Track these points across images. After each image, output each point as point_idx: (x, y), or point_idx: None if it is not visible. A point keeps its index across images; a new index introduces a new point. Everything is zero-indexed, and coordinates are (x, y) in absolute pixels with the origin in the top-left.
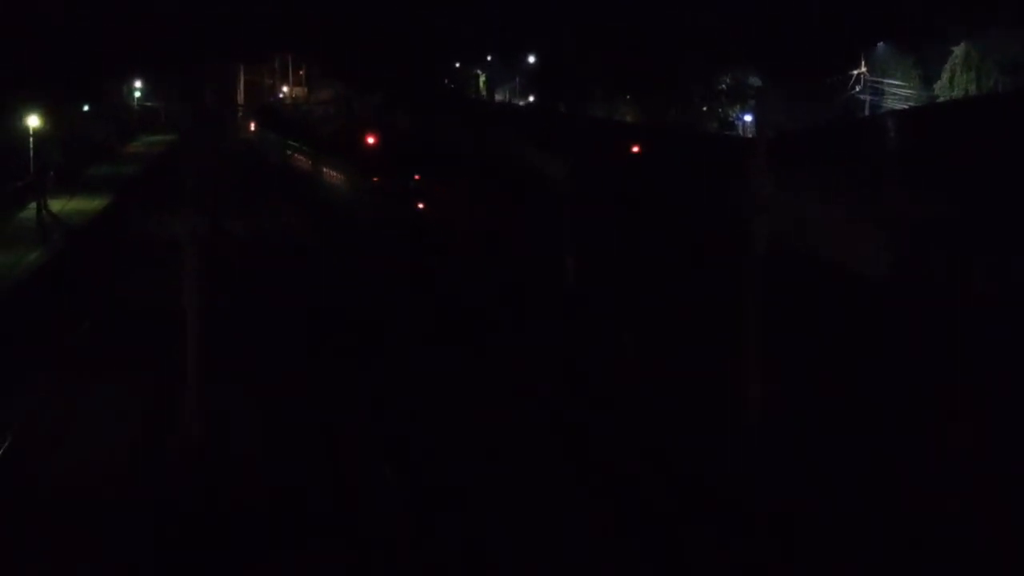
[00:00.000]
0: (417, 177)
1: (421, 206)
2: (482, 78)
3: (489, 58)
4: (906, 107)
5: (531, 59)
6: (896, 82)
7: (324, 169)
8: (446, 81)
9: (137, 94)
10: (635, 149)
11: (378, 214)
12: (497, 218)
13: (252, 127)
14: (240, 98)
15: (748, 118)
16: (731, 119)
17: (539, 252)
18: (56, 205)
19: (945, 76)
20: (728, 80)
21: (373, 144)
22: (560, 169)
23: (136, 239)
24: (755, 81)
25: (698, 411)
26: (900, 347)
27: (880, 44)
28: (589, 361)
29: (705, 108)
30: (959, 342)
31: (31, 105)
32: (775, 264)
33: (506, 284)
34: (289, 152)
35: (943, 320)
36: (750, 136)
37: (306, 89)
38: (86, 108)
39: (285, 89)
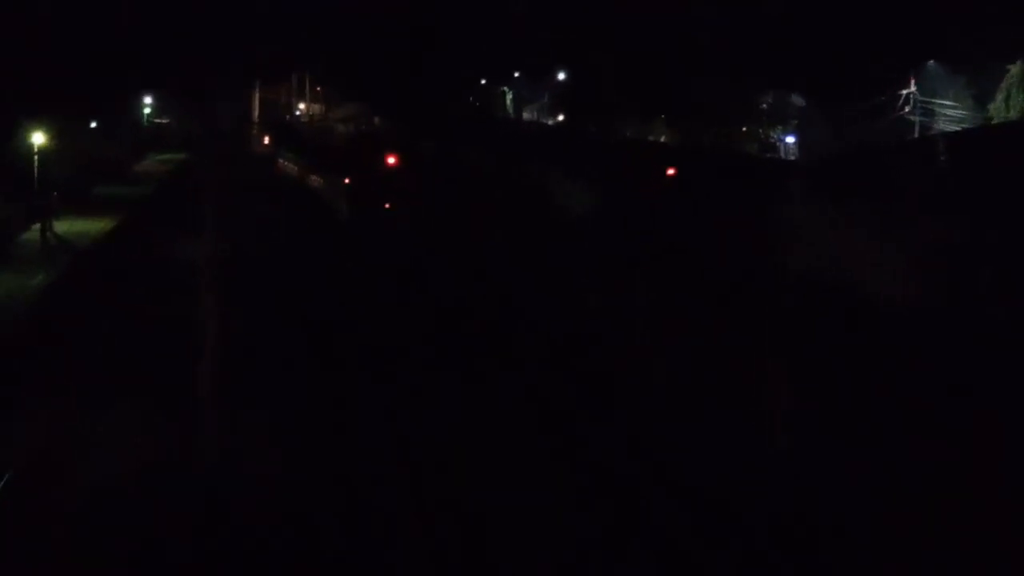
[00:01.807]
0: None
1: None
2: (508, 96)
3: (516, 75)
4: (958, 129)
5: (560, 76)
6: (948, 103)
7: (331, 188)
8: (471, 99)
9: (147, 111)
10: (670, 172)
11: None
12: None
13: (266, 141)
14: (255, 116)
15: (790, 139)
16: (772, 140)
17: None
18: (61, 226)
19: (1000, 96)
20: (769, 99)
21: (393, 165)
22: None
23: (146, 262)
24: (798, 100)
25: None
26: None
27: (930, 63)
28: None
29: (744, 129)
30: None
31: (36, 122)
32: (813, 295)
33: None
34: (301, 172)
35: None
36: (792, 158)
37: (324, 106)
38: (93, 125)
39: (302, 106)
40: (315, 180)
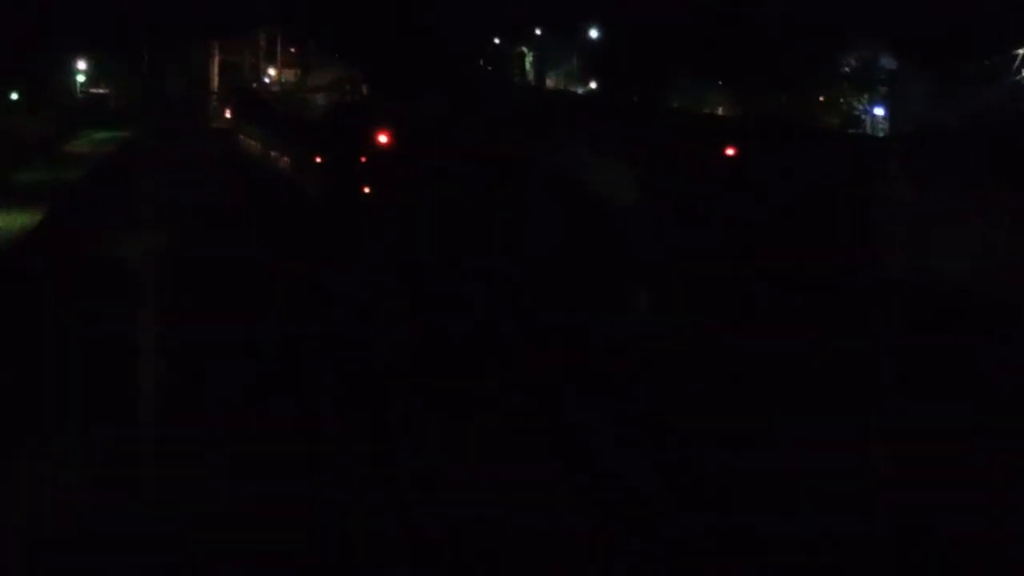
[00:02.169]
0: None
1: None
2: (528, 58)
3: (538, 32)
4: None
5: (592, 33)
6: None
7: (309, 172)
8: (482, 62)
9: (81, 78)
10: (730, 152)
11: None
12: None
13: (228, 115)
14: (214, 83)
15: (878, 111)
16: (856, 112)
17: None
18: None
19: None
20: (852, 61)
21: (386, 144)
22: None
23: (78, 264)
24: (888, 63)
25: None
26: None
27: None
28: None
29: (822, 98)
30: None
31: None
32: (914, 300)
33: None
34: (272, 152)
35: None
36: (882, 135)
37: (299, 71)
38: (14, 96)
39: (272, 72)
40: (285, 162)
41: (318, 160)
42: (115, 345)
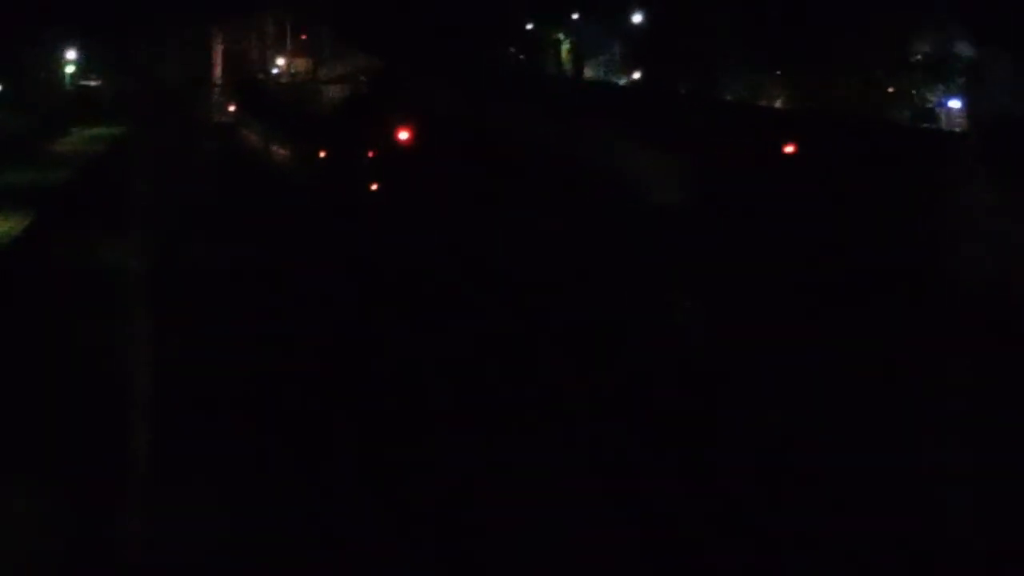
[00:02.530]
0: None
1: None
2: (565, 45)
3: (576, 17)
4: None
5: (636, 18)
6: None
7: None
8: (512, 50)
9: (70, 69)
10: (789, 149)
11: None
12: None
13: (231, 109)
14: (216, 73)
15: (955, 104)
16: (929, 105)
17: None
18: None
19: None
20: (926, 49)
21: (403, 140)
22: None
23: (64, 274)
24: (966, 50)
25: None
26: None
27: None
28: None
29: (891, 89)
30: None
31: None
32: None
33: None
34: (275, 149)
35: None
36: (958, 130)
37: (311, 60)
38: None
39: (281, 61)
40: (289, 159)
41: (323, 155)
42: (104, 360)
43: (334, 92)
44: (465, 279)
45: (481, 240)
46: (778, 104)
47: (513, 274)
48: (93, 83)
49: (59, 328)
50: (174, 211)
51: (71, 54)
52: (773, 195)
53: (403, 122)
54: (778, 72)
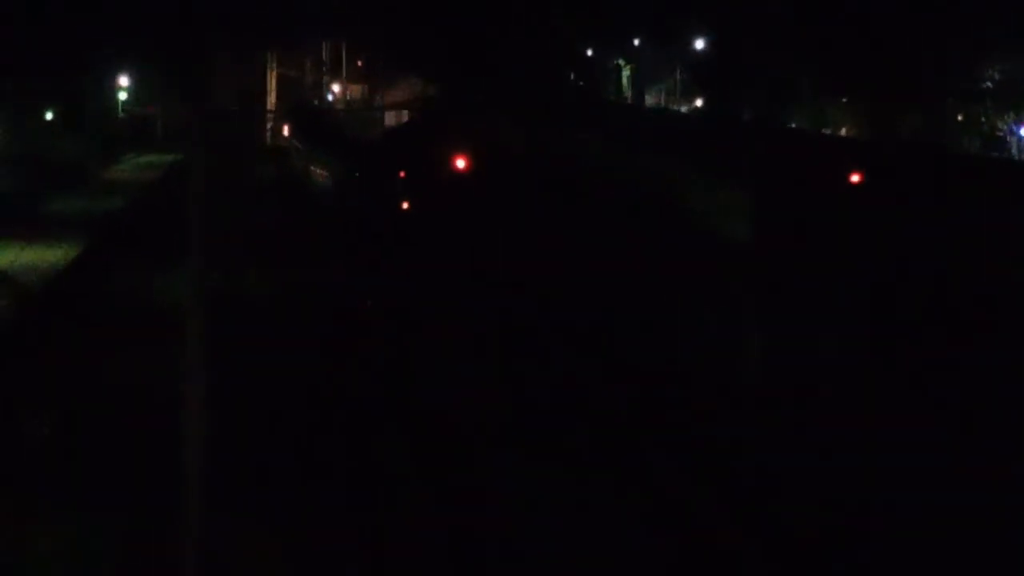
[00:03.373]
0: None
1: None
2: (625, 72)
3: (637, 42)
4: None
5: (699, 44)
6: None
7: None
8: (572, 76)
9: (123, 96)
10: (855, 179)
11: None
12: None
13: (285, 132)
14: (272, 99)
15: None
16: (1000, 133)
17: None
18: (4, 256)
19: None
20: (995, 75)
21: (464, 170)
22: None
23: (116, 307)
24: None
25: None
26: None
27: None
28: None
29: (960, 117)
30: None
31: None
32: None
33: None
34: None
35: None
36: None
37: (367, 87)
38: (48, 116)
39: (336, 88)
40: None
41: (381, 183)
42: (156, 398)
43: (389, 119)
44: (522, 310)
45: (541, 271)
46: (844, 132)
47: (573, 308)
48: (147, 110)
49: (109, 359)
50: (226, 237)
51: (124, 81)
52: (839, 227)
53: (459, 149)
54: (844, 99)
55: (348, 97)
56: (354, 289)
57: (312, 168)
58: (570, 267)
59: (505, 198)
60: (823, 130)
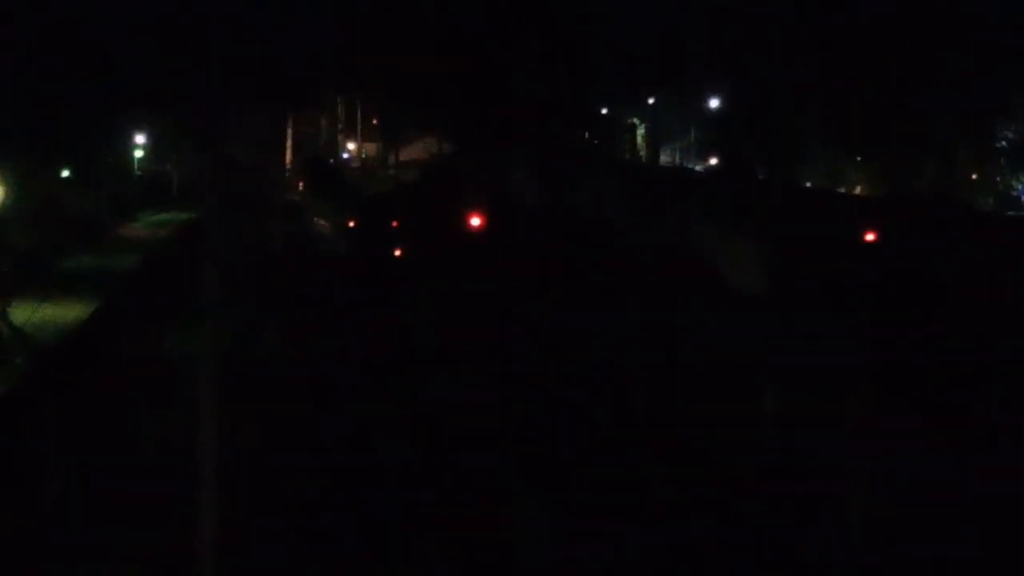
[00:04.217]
0: None
1: None
2: (640, 130)
3: (651, 101)
4: None
5: (713, 103)
6: None
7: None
8: (586, 135)
9: (139, 153)
10: (869, 237)
11: None
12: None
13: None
14: (287, 156)
15: None
16: (1015, 192)
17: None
18: (19, 313)
19: None
20: (1009, 134)
21: (479, 227)
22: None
23: (131, 364)
24: None
25: None
26: None
27: None
28: None
29: (974, 176)
30: None
31: None
32: None
33: None
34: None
35: None
36: None
37: (381, 145)
38: (65, 174)
39: (351, 146)
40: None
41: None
42: (172, 457)
43: (402, 176)
44: (542, 364)
45: (558, 326)
46: (858, 190)
47: (593, 364)
48: (162, 168)
49: (125, 413)
50: (241, 294)
51: (140, 139)
52: (857, 282)
53: (471, 207)
54: (858, 158)
55: (363, 154)
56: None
57: (317, 219)
58: (592, 317)
59: (517, 250)
60: (838, 188)
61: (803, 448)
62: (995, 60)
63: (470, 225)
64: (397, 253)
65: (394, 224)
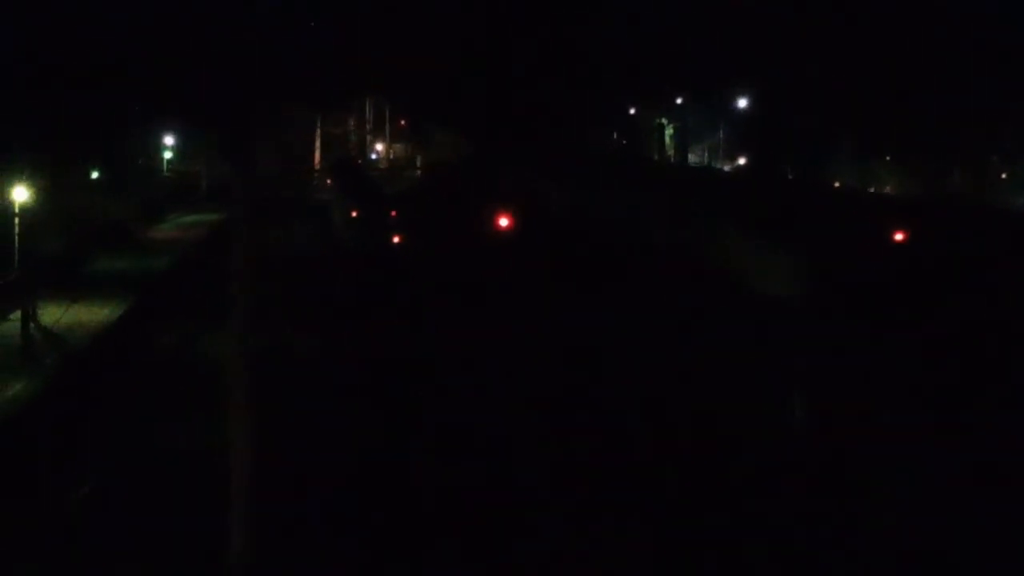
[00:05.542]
0: None
1: None
2: (668, 130)
3: (679, 101)
4: None
5: (742, 103)
6: None
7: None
8: (615, 135)
9: (168, 155)
10: (899, 236)
11: None
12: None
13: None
14: (316, 157)
15: None
16: None
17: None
18: (49, 315)
19: None
20: None
21: (507, 228)
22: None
23: (162, 365)
24: None
25: None
26: None
27: None
28: None
29: (1004, 175)
30: None
31: (17, 171)
32: None
33: None
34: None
35: None
36: None
37: (410, 146)
38: (94, 175)
39: (380, 147)
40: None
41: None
42: (202, 461)
43: (428, 177)
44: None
45: (586, 330)
46: (888, 190)
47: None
48: (190, 169)
49: (155, 416)
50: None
51: (169, 140)
52: (889, 283)
53: (505, 209)
54: (888, 157)
55: (392, 155)
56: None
57: (339, 211)
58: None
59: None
60: (868, 188)
61: (834, 453)
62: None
63: (498, 226)
64: (396, 240)
65: (392, 214)
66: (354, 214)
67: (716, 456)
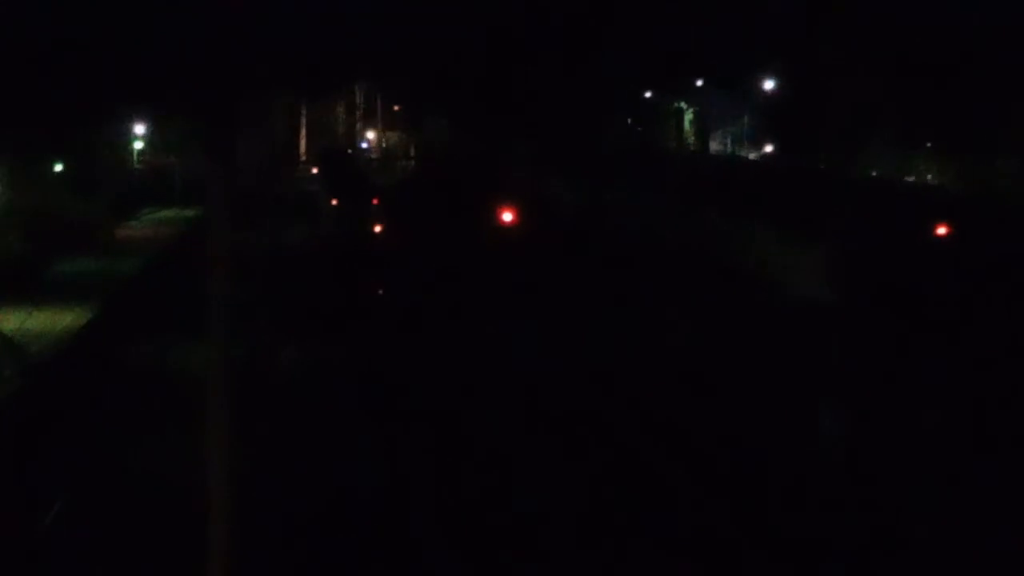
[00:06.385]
0: None
1: None
2: (688, 116)
3: (700, 84)
4: None
5: (767, 85)
6: None
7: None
8: (629, 121)
9: (138, 145)
10: (941, 230)
11: None
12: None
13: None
14: (302, 147)
15: None
16: None
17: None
18: (9, 322)
19: None
20: None
21: (511, 223)
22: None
23: (131, 376)
24: None
25: None
26: None
27: None
28: None
29: None
30: None
31: None
32: None
33: None
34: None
35: None
36: None
37: (404, 135)
38: (58, 168)
39: (371, 135)
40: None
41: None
42: (179, 476)
43: (422, 166)
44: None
45: (599, 337)
46: (928, 179)
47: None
48: (163, 161)
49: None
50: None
51: (140, 129)
52: (929, 283)
53: (509, 203)
54: (928, 145)
55: (384, 144)
56: None
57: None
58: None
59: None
60: (906, 178)
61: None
62: None
63: (501, 221)
64: (377, 229)
65: (374, 201)
66: (334, 202)
67: (738, 486)
